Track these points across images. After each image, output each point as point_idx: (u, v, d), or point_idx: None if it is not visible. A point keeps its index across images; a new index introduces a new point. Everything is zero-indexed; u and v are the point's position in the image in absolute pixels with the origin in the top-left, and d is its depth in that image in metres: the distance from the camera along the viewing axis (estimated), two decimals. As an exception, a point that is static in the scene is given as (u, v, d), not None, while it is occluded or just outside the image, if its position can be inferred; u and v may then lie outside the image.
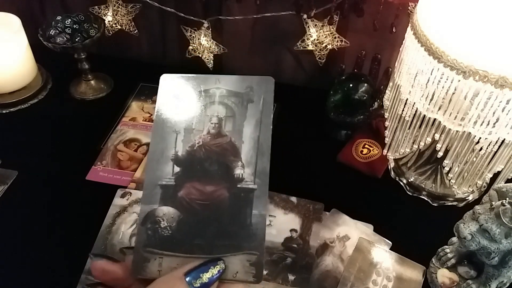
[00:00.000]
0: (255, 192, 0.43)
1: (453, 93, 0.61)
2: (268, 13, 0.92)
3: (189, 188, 0.44)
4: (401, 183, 0.83)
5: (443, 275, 0.68)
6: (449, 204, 0.80)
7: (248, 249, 0.42)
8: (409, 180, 0.81)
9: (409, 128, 0.71)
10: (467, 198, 0.80)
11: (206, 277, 0.39)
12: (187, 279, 0.38)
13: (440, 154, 0.69)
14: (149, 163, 0.45)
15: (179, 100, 0.46)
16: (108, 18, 0.99)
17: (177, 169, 0.44)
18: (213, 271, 0.40)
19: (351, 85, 0.87)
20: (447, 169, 0.71)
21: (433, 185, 0.80)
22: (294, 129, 0.94)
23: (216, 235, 0.42)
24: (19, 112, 0.97)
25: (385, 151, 0.80)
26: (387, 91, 0.78)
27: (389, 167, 0.85)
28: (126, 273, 0.41)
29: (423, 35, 0.61)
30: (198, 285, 0.39)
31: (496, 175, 0.70)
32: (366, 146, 0.88)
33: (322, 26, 0.91)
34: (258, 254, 0.41)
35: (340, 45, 0.93)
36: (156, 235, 0.42)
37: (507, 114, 0.59)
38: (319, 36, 0.92)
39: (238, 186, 0.44)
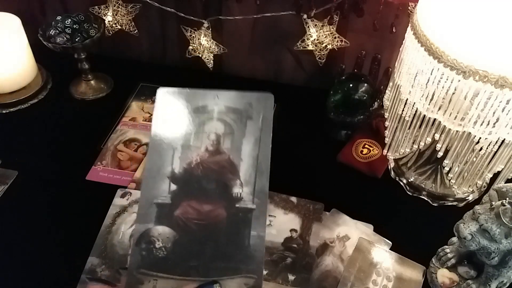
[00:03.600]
0: (253, 212, 0.42)
1: (453, 93, 0.61)
2: (268, 13, 0.92)
3: (185, 207, 0.43)
4: (401, 183, 0.83)
5: (443, 275, 0.68)
6: (449, 204, 0.80)
7: (246, 272, 0.41)
8: (409, 180, 0.81)
9: (409, 128, 0.71)
10: (467, 198, 0.80)
11: None
12: None
13: (440, 154, 0.69)
14: (144, 181, 0.43)
15: (176, 115, 0.45)
16: (108, 18, 0.99)
17: (173, 187, 0.43)
18: None
19: (351, 85, 0.87)
20: (447, 169, 0.71)
21: (433, 185, 0.80)
22: (294, 129, 0.94)
23: (213, 256, 0.41)
24: (19, 112, 0.97)
25: (385, 151, 0.80)
26: (387, 91, 0.78)
27: (389, 167, 0.85)
28: None
29: (423, 35, 0.61)
30: None
31: (496, 175, 0.70)
32: (366, 146, 0.88)
33: (322, 26, 0.91)
34: (256, 278, 0.40)
35: (340, 45, 0.93)
36: (150, 256, 0.41)
37: (507, 114, 0.59)
38: (319, 36, 0.92)
39: (237, 205, 0.43)
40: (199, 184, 0.43)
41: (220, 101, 0.45)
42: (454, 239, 0.69)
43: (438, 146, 0.68)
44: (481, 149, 0.66)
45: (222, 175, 0.43)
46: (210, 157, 0.44)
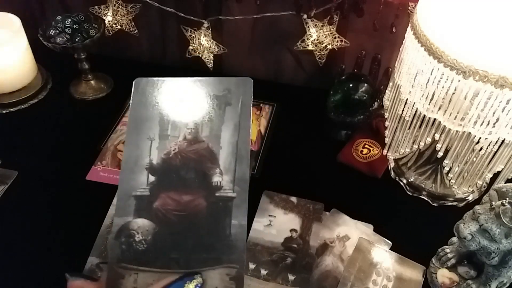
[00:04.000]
0: (234, 200, 0.41)
1: (453, 93, 0.61)
2: (268, 13, 0.92)
3: (164, 198, 0.41)
4: (401, 183, 0.83)
5: (443, 275, 0.68)
6: (449, 204, 0.80)
7: (228, 262, 0.39)
8: (409, 180, 0.81)
9: (409, 128, 0.71)
10: (467, 198, 0.80)
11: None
12: None
13: (440, 154, 0.69)
14: (122, 173, 0.42)
15: (153, 105, 0.43)
16: (108, 18, 0.99)
17: (152, 178, 0.42)
18: (190, 287, 0.37)
19: (351, 85, 0.87)
20: (447, 169, 0.71)
21: (433, 185, 0.80)
22: (294, 129, 0.94)
23: (194, 248, 0.40)
24: (19, 112, 0.97)
25: (385, 151, 0.80)
26: (387, 91, 0.78)
27: (389, 167, 0.85)
28: None
29: (423, 35, 0.61)
30: None
31: (496, 175, 0.70)
32: (366, 146, 0.88)
33: (322, 26, 0.91)
34: (238, 268, 0.39)
35: (340, 45, 0.93)
36: (130, 250, 0.40)
37: (507, 114, 0.59)
38: (319, 36, 0.92)
39: (216, 194, 0.41)
40: (177, 174, 0.42)
41: (197, 88, 0.44)
42: (454, 239, 0.69)
43: (438, 146, 0.68)
44: (481, 149, 0.66)
45: (201, 164, 0.42)
46: (189, 146, 0.43)
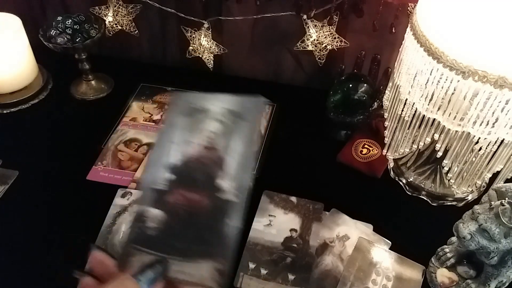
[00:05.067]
0: (233, 204, 0.46)
1: (453, 93, 0.61)
2: (268, 13, 0.92)
3: (177, 194, 0.47)
4: (401, 183, 0.83)
5: (443, 274, 0.68)
6: (448, 204, 0.80)
7: (219, 256, 0.45)
8: (409, 180, 0.82)
9: (408, 128, 0.71)
10: (466, 198, 0.80)
11: (151, 271, 0.43)
12: (136, 277, 0.42)
13: (440, 154, 0.70)
14: (147, 168, 0.49)
15: (183, 115, 0.50)
16: (109, 18, 1.00)
17: (170, 176, 0.48)
18: (158, 267, 0.43)
19: (350, 85, 0.87)
20: (446, 169, 0.71)
21: (433, 185, 0.80)
22: (294, 129, 0.94)
23: (193, 240, 0.45)
24: (20, 112, 0.97)
25: (384, 151, 0.80)
26: (386, 91, 0.78)
27: (388, 167, 0.85)
28: (118, 270, 0.44)
29: (423, 35, 0.61)
30: (145, 279, 0.42)
31: (495, 175, 0.70)
32: (366, 146, 0.88)
33: (322, 26, 0.91)
34: (226, 264, 0.44)
35: (339, 45, 0.93)
36: (143, 234, 0.46)
37: (506, 114, 0.59)
38: (319, 36, 0.92)
39: (219, 196, 0.47)
40: (191, 176, 0.48)
41: (217, 102, 0.50)
42: (454, 238, 0.69)
43: (438, 146, 0.68)
44: (480, 149, 0.66)
45: (212, 169, 0.48)
46: (204, 152, 0.49)
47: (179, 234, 0.45)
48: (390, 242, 0.73)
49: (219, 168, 0.48)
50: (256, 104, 0.51)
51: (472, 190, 0.80)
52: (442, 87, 0.61)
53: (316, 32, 0.92)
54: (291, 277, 0.70)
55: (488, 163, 0.68)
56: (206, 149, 0.48)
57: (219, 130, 0.49)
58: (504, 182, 0.67)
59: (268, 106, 0.98)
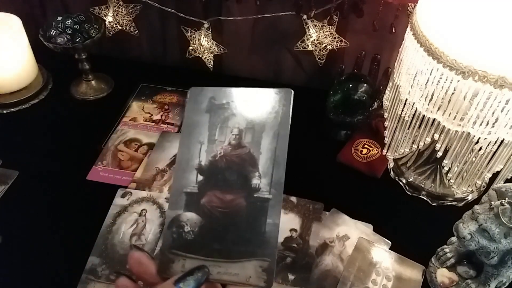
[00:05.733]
0: (270, 201, 0.45)
1: (453, 93, 0.61)
2: (268, 13, 0.92)
3: (210, 196, 0.46)
4: (401, 183, 0.83)
5: (443, 274, 0.68)
6: (448, 204, 0.80)
7: (261, 255, 0.43)
8: (409, 180, 0.82)
9: (408, 128, 0.71)
10: (466, 198, 0.80)
11: (192, 279, 0.41)
12: (177, 284, 0.41)
13: (440, 154, 0.70)
14: (176, 172, 0.47)
15: (204, 111, 0.49)
16: (109, 18, 1.00)
17: (200, 177, 0.46)
18: (198, 275, 0.42)
19: (350, 85, 0.87)
20: (446, 169, 0.71)
21: (433, 185, 0.80)
22: (294, 129, 0.94)
23: (234, 241, 0.44)
24: (20, 112, 0.97)
25: (384, 151, 0.80)
26: (386, 91, 0.78)
27: (388, 167, 0.85)
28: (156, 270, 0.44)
29: (423, 35, 0.61)
30: (186, 287, 0.41)
31: (495, 175, 0.70)
32: (366, 146, 0.88)
33: (322, 26, 0.91)
34: (270, 261, 0.43)
35: (339, 45, 0.93)
36: (180, 239, 0.45)
37: (506, 114, 0.59)
38: (319, 36, 0.92)
39: (255, 195, 0.45)
40: (222, 176, 0.47)
41: (242, 97, 0.49)
42: (454, 238, 0.69)
43: (438, 146, 0.68)
44: (480, 149, 0.66)
45: (243, 167, 0.46)
46: (233, 150, 0.47)
47: (218, 236, 0.44)
48: (390, 242, 0.73)
49: (250, 165, 0.46)
50: (284, 95, 0.50)
51: (472, 190, 0.80)
52: (442, 87, 0.61)
53: (316, 32, 0.92)
54: (291, 277, 0.70)
55: (488, 163, 0.68)
56: (235, 147, 0.47)
57: (246, 126, 0.48)
58: (504, 182, 0.67)
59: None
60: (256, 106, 0.49)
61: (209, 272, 0.43)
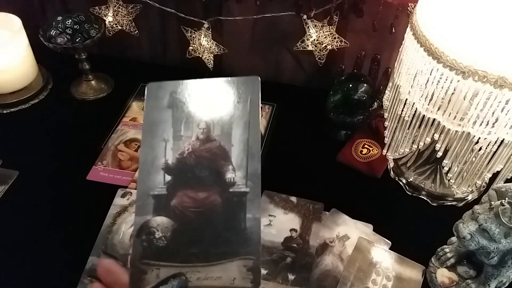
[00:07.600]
0: (247, 195, 0.43)
1: (453, 93, 0.61)
2: (268, 13, 0.92)
3: (181, 196, 0.43)
4: (401, 183, 0.83)
5: (443, 274, 0.68)
6: (448, 204, 0.80)
7: (244, 254, 0.41)
8: (409, 180, 0.82)
9: (408, 128, 0.71)
10: (466, 198, 0.80)
11: None
12: None
13: (440, 154, 0.70)
14: (140, 174, 0.44)
15: (166, 107, 0.45)
16: (109, 18, 1.00)
17: (168, 177, 0.44)
18: (174, 283, 0.39)
19: (350, 85, 0.87)
20: (446, 169, 0.71)
21: (433, 185, 0.80)
22: (294, 129, 0.94)
23: (212, 242, 0.41)
24: (20, 112, 0.97)
25: (384, 151, 0.80)
26: (386, 91, 0.78)
27: (388, 167, 0.85)
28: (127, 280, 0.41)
29: (423, 35, 0.61)
30: None
31: (495, 175, 0.70)
32: (366, 146, 0.88)
33: (322, 26, 0.91)
34: (255, 259, 0.40)
35: (339, 45, 0.93)
36: (151, 247, 0.42)
37: (506, 114, 0.59)
38: (319, 36, 0.92)
39: (231, 190, 0.43)
40: (192, 173, 0.44)
41: (207, 89, 0.45)
42: (454, 238, 0.69)
43: (438, 146, 0.68)
44: (480, 149, 0.66)
45: (214, 162, 0.44)
46: (202, 145, 0.44)
47: (193, 239, 0.41)
48: (390, 242, 0.73)
49: (222, 159, 0.43)
50: (251, 83, 0.45)
51: (472, 190, 0.80)
52: (442, 87, 0.61)
53: (316, 32, 0.92)
54: (291, 277, 0.70)
55: (488, 163, 0.68)
56: (203, 141, 0.44)
57: (213, 118, 0.44)
58: (504, 182, 0.67)
59: (269, 106, 0.98)
60: (222, 96, 0.45)
61: (188, 279, 0.40)
